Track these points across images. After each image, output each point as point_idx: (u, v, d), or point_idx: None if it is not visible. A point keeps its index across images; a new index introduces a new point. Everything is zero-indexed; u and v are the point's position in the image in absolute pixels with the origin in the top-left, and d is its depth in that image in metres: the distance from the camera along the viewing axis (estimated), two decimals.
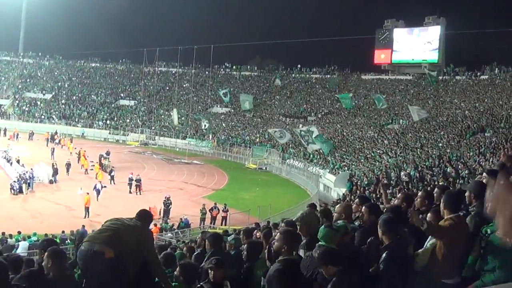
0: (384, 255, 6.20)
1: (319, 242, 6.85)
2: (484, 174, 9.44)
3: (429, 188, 21.22)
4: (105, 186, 48.70)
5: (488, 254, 5.87)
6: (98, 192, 43.32)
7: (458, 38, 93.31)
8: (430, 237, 6.67)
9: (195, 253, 10.37)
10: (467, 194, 7.15)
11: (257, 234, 12.97)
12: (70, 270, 7.05)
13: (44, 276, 6.50)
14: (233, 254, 9.91)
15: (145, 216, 7.45)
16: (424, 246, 6.63)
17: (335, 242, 6.89)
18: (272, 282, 6.29)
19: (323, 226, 7.10)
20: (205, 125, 77.59)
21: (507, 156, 11.41)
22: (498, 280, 5.65)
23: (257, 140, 78.19)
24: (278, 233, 7.10)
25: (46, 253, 6.66)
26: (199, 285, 7.33)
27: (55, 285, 6.38)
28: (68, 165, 52.99)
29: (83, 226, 31.89)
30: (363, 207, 7.99)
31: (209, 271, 7.33)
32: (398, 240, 6.35)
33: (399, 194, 8.97)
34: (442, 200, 6.57)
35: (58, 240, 26.77)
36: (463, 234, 6.19)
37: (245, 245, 9.26)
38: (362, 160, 55.94)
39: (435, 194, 8.31)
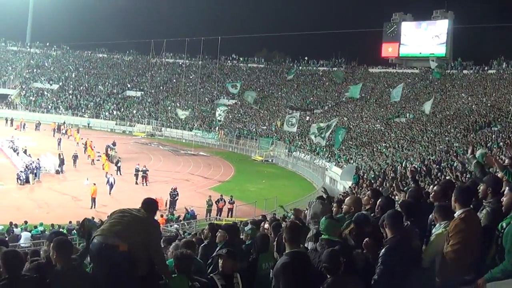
0: (383, 249, 6.15)
1: (322, 235, 6.86)
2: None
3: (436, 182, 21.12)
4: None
5: (503, 247, 5.84)
6: (111, 186, 43.03)
7: (466, 32, 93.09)
8: (435, 228, 6.64)
9: (203, 244, 10.34)
10: (482, 187, 7.04)
11: (265, 226, 12.96)
12: (79, 260, 7.02)
13: (53, 268, 6.49)
14: (249, 244, 9.89)
15: (151, 205, 7.39)
16: (430, 240, 6.61)
17: (337, 233, 6.96)
18: (279, 275, 6.29)
19: (324, 218, 7.13)
20: (220, 115, 76.58)
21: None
22: (506, 269, 5.62)
23: (263, 131, 78.04)
24: (285, 226, 7.08)
25: (51, 244, 6.63)
26: (209, 276, 7.32)
27: (64, 276, 6.36)
28: (75, 157, 52.75)
29: (92, 218, 31.79)
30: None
31: (220, 260, 7.31)
32: (401, 235, 6.28)
33: (436, 187, 8.79)
34: (453, 194, 6.50)
35: (65, 231, 26.86)
36: (475, 228, 6.14)
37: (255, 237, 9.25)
38: (369, 153, 55.82)
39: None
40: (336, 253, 6.11)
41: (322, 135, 49.48)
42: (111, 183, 43.03)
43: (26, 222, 30.39)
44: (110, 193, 42.26)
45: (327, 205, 8.82)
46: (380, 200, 7.93)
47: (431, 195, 8.41)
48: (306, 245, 7.31)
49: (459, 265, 5.89)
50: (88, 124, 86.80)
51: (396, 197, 13.89)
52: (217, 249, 8.77)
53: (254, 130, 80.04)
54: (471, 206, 6.50)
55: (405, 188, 13.91)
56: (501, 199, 6.38)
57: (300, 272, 6.20)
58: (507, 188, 6.34)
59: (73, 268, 6.53)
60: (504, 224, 6.00)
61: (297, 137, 70.62)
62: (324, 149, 60.66)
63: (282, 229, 8.14)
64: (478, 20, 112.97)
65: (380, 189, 31.90)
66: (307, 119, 78.25)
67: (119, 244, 6.55)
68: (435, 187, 8.72)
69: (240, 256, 8.10)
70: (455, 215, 6.29)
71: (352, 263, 6.21)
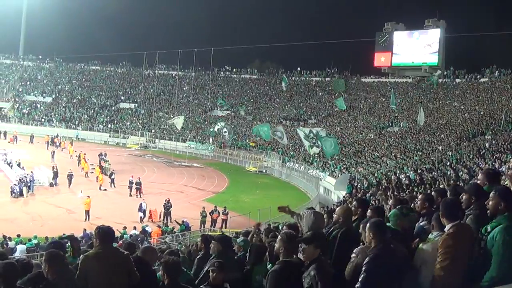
0: (367, 258, 6.10)
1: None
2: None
3: (428, 191, 21.21)
4: (105, 189, 48.87)
5: (488, 251, 5.90)
6: (144, 212, 40.70)
7: (458, 41, 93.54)
8: (434, 232, 6.67)
9: (198, 256, 10.37)
10: (465, 197, 7.09)
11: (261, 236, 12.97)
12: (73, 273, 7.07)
13: (47, 279, 6.54)
14: (241, 256, 9.93)
15: (106, 235, 7.40)
16: (427, 239, 6.64)
17: (401, 225, 7.38)
18: (268, 283, 6.33)
19: (395, 209, 7.62)
20: (221, 129, 76.25)
21: None
22: (493, 277, 5.68)
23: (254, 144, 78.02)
24: (279, 236, 7.12)
25: (43, 257, 6.69)
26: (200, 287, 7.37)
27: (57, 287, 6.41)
28: (71, 176, 49.82)
29: (85, 229, 31.81)
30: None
31: (211, 273, 7.36)
32: (384, 243, 6.23)
33: (420, 195, 8.92)
34: (440, 209, 6.50)
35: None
36: (467, 240, 6.16)
37: (248, 248, 9.29)
38: (363, 163, 55.91)
39: (434, 197, 8.34)
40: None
41: (317, 144, 49.53)
42: (144, 209, 40.66)
43: (19, 236, 30.28)
44: (141, 220, 39.57)
45: (320, 216, 8.85)
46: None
47: (416, 205, 8.49)
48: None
49: (450, 281, 5.92)
50: (77, 136, 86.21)
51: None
52: (210, 258, 8.83)
53: (247, 141, 79.94)
54: (460, 219, 6.49)
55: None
56: (486, 203, 6.41)
57: (288, 282, 6.22)
58: (492, 191, 6.37)
59: (66, 280, 6.57)
60: (489, 228, 6.04)
61: (290, 148, 70.67)
62: (318, 159, 60.69)
63: (274, 239, 8.19)
64: (470, 29, 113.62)
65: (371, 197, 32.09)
66: (305, 127, 78.29)
67: None
68: (419, 196, 8.82)
69: (232, 267, 8.14)
70: (445, 229, 6.25)
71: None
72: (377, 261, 5.99)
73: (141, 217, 39.73)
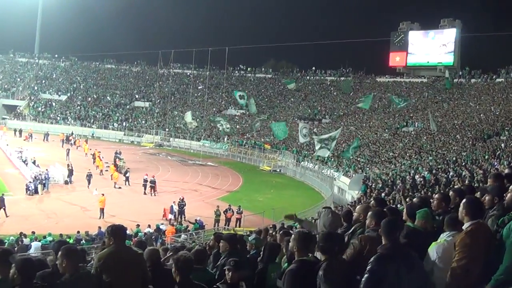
0: (373, 257, 6.00)
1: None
2: None
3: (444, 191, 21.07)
4: (119, 187, 49.00)
5: (504, 243, 5.88)
6: (175, 215, 40.28)
7: (474, 40, 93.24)
8: (445, 232, 6.61)
9: (214, 252, 10.34)
10: (488, 197, 7.03)
11: (275, 234, 12.93)
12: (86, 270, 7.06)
13: (61, 276, 6.52)
14: (253, 254, 9.90)
15: (118, 233, 7.36)
16: (439, 239, 6.58)
17: (424, 226, 7.30)
18: (283, 282, 6.29)
19: (427, 208, 7.53)
20: (223, 127, 76.45)
21: None
22: (507, 268, 5.64)
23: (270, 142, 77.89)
24: (293, 234, 7.07)
25: (60, 252, 6.65)
26: (215, 286, 7.32)
27: (71, 284, 6.39)
28: (89, 176, 49.25)
29: (99, 227, 31.87)
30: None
31: (227, 272, 7.32)
32: (393, 243, 6.17)
33: (437, 195, 8.84)
34: (462, 206, 6.42)
35: (71, 241, 27.04)
36: (485, 240, 6.09)
37: (262, 247, 9.24)
38: (377, 163, 55.69)
39: (451, 197, 8.27)
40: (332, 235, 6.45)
41: (328, 146, 49.36)
42: (175, 211, 40.37)
43: (33, 233, 30.42)
44: (171, 223, 39.01)
45: (337, 215, 8.80)
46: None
47: (432, 204, 8.39)
48: (315, 254, 7.31)
49: (467, 280, 5.85)
50: (92, 134, 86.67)
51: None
52: (221, 258, 8.80)
53: (262, 140, 79.84)
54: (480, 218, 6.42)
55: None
56: (504, 195, 6.35)
57: (304, 281, 6.17)
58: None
59: (81, 276, 6.55)
60: (506, 219, 6.00)
61: (304, 147, 70.51)
62: (332, 159, 60.51)
63: (289, 238, 8.16)
64: (485, 28, 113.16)
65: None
66: (314, 130, 78.12)
67: None
68: (435, 195, 8.72)
69: (245, 264, 8.11)
70: (463, 227, 6.21)
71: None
72: (382, 261, 5.89)
73: (171, 219, 39.33)
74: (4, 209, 37.47)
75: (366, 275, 5.82)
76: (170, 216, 39.83)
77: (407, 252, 6.16)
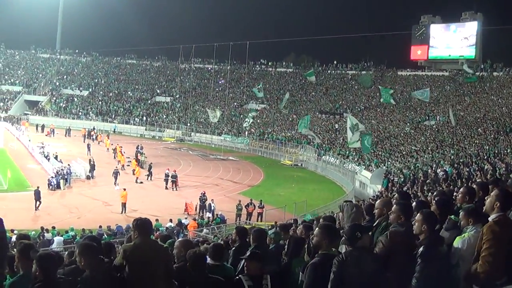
0: (422, 247, 6.06)
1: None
2: None
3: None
4: (141, 182, 49.14)
5: None
6: (213, 213, 39.51)
7: (496, 33, 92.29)
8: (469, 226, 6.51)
9: (233, 248, 10.26)
10: None
11: (297, 229, 12.82)
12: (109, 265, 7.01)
13: (83, 273, 6.49)
14: (272, 248, 9.81)
15: (144, 227, 7.32)
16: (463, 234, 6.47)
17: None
18: (306, 275, 6.29)
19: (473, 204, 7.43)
20: (248, 122, 76.52)
21: None
22: None
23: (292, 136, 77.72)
24: (317, 228, 6.98)
25: (76, 250, 6.65)
26: (237, 277, 7.28)
27: (93, 281, 6.34)
28: (116, 174, 48.27)
29: (116, 224, 32.00)
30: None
31: (244, 262, 7.32)
32: (435, 234, 6.26)
33: (462, 189, 8.73)
34: (495, 197, 6.29)
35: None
36: (509, 233, 5.99)
37: (287, 241, 9.14)
38: (398, 157, 55.38)
39: (476, 191, 8.16)
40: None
41: (358, 138, 49.47)
42: (212, 209, 39.69)
43: (54, 228, 30.52)
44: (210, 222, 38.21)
45: (359, 209, 8.70)
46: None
47: (457, 198, 8.29)
48: (339, 248, 7.20)
49: (493, 269, 5.75)
50: (114, 129, 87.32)
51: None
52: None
53: (283, 134, 79.72)
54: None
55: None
56: None
57: (327, 275, 6.06)
58: None
59: (103, 272, 6.50)
60: None
61: (326, 141, 70.33)
62: (354, 153, 60.27)
63: (312, 231, 8.06)
64: (507, 21, 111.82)
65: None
66: (336, 127, 77.86)
67: None
68: (460, 189, 8.63)
69: (269, 258, 8.05)
70: (490, 218, 6.14)
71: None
72: (431, 250, 5.99)
73: (209, 217, 38.75)
74: (40, 202, 38.06)
75: (420, 265, 5.93)
76: (209, 215, 39.15)
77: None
